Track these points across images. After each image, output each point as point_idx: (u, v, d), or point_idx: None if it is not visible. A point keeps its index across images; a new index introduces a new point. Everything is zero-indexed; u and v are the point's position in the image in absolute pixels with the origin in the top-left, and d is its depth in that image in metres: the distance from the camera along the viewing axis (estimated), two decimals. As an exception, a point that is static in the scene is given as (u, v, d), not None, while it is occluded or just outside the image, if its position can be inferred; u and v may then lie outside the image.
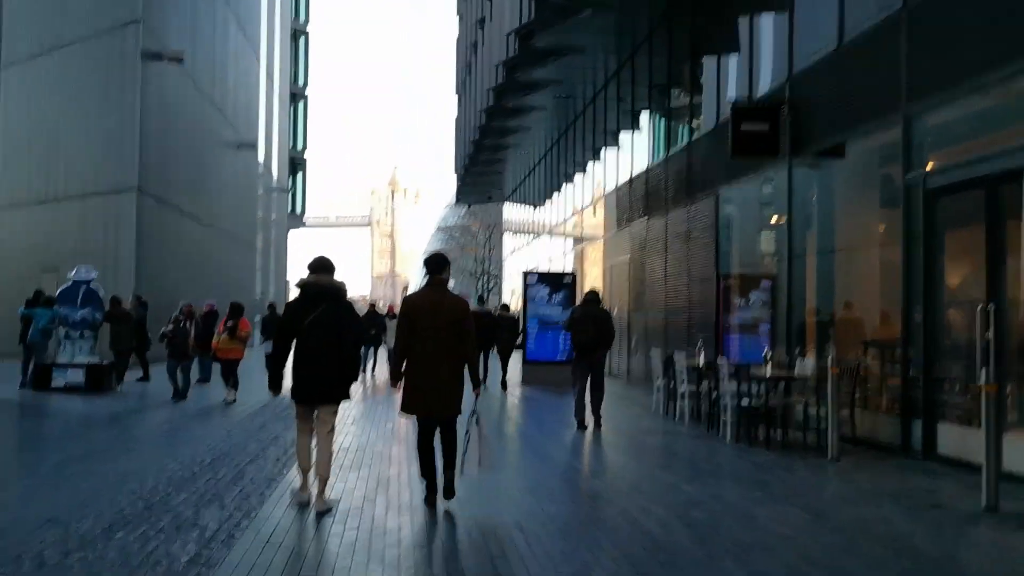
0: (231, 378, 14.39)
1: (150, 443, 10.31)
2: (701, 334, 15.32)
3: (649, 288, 18.95)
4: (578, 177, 28.34)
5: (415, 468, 8.04)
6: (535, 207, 38.60)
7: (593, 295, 12.75)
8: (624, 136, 22.36)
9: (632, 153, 21.40)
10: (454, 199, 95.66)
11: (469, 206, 53.80)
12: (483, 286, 74.50)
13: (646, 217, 19.35)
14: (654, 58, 19.19)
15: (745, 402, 10.34)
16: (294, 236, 64.10)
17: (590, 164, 26.31)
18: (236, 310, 14.57)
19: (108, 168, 22.09)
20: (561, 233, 32.14)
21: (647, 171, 19.57)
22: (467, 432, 6.67)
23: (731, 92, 14.81)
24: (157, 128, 22.96)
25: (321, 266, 6.71)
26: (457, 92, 43.08)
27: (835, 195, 12.24)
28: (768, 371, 10.55)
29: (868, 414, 10.41)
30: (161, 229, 23.37)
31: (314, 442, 6.71)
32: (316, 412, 6.66)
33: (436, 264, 6.78)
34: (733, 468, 9.08)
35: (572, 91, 24.42)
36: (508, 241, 49.24)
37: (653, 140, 19.84)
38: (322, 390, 6.59)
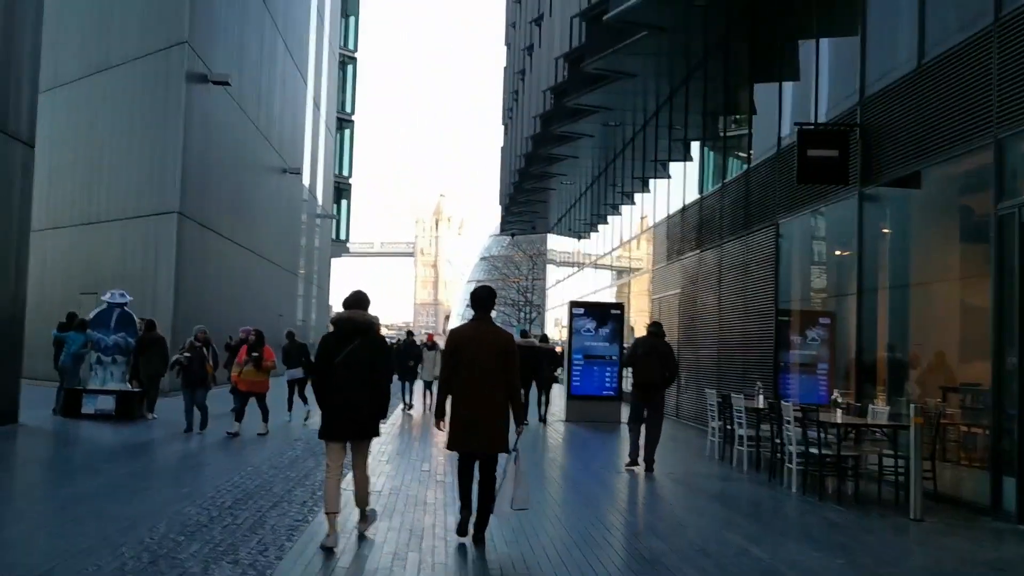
0: (263, 409, 13.76)
1: (171, 479, 9.69)
2: (757, 373, 14.43)
3: (701, 323, 18.08)
4: (625, 208, 27.63)
5: (452, 518, 7.36)
6: (580, 238, 37.92)
7: (657, 327, 11.93)
8: (674, 166, 21.60)
9: (684, 183, 20.62)
10: (498, 229, 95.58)
11: (513, 236, 53.10)
12: (526, 317, 73.91)
13: (698, 249, 18.52)
14: (709, 83, 18.47)
15: (814, 450, 9.43)
16: (338, 263, 64.28)
17: (638, 195, 25.57)
18: (260, 338, 13.65)
19: (150, 191, 21.82)
20: (606, 265, 31.37)
21: (700, 201, 18.77)
22: (504, 469, 6.53)
23: (792, 118, 14.00)
24: (201, 151, 22.70)
25: (355, 301, 6.76)
26: (504, 122, 42.75)
27: (910, 225, 11.34)
28: (838, 416, 9.65)
29: (950, 468, 9.44)
30: (202, 253, 23.04)
31: (345, 483, 6.80)
32: (349, 446, 6.70)
33: (483, 299, 6.79)
34: (805, 526, 8.17)
35: (621, 118, 23.76)
36: (552, 272, 48.53)
37: (706, 169, 19.05)
38: (354, 427, 6.60)
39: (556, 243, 45.34)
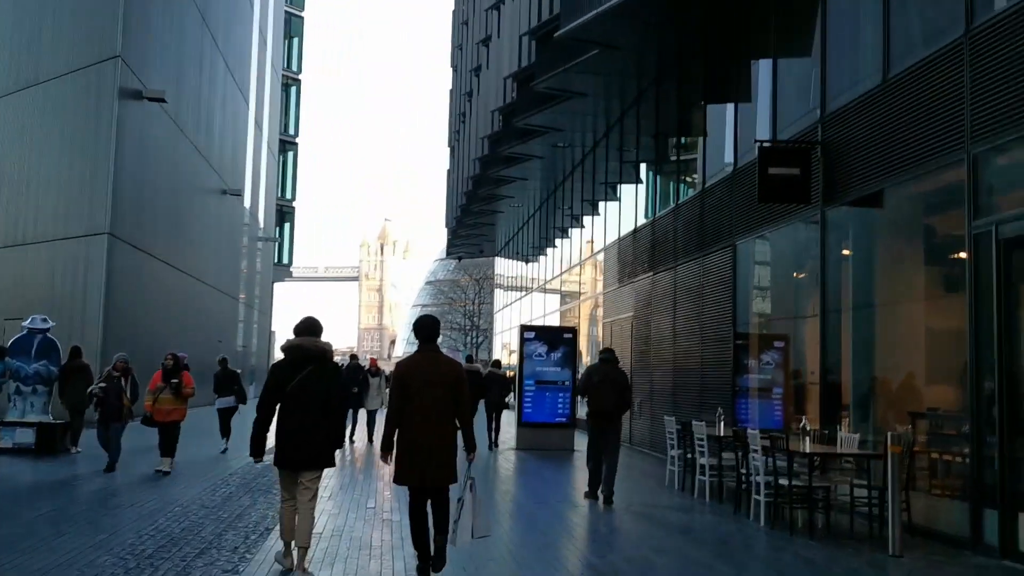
0: (171, 443, 12.31)
1: (88, 524, 8.78)
2: (715, 398, 13.99)
3: (655, 347, 17.63)
4: (574, 231, 27.27)
5: (401, 563, 6.70)
6: (527, 262, 37.47)
7: (610, 354, 11.57)
8: (625, 188, 21.26)
9: (635, 204, 20.27)
10: (444, 253, 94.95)
11: (460, 259, 52.49)
12: (472, 341, 73.24)
13: (651, 272, 18.12)
14: (661, 103, 18.17)
15: (783, 481, 8.95)
16: (281, 288, 62.87)
17: (587, 218, 25.22)
18: (177, 363, 12.32)
19: (79, 211, 20.78)
20: (555, 289, 30.91)
21: (653, 223, 18.40)
22: (460, 499, 6.33)
23: (749, 137, 13.69)
24: (135, 170, 21.73)
25: (307, 328, 6.65)
26: (450, 144, 42.26)
27: (875, 245, 11.00)
28: (806, 445, 9.19)
29: (923, 498, 9.02)
30: (135, 277, 22.00)
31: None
32: (299, 478, 6.52)
33: (428, 329, 6.64)
34: (780, 565, 7.64)
35: (571, 140, 23.41)
36: (499, 296, 47.97)
37: (658, 190, 18.71)
38: (306, 456, 6.46)
39: (504, 267, 44.85)
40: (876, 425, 10.09)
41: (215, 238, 32.04)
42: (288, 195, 53.70)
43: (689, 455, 11.78)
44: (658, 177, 18.89)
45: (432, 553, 6.34)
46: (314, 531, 6.93)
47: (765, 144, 11.37)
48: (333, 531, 8.22)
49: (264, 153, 43.38)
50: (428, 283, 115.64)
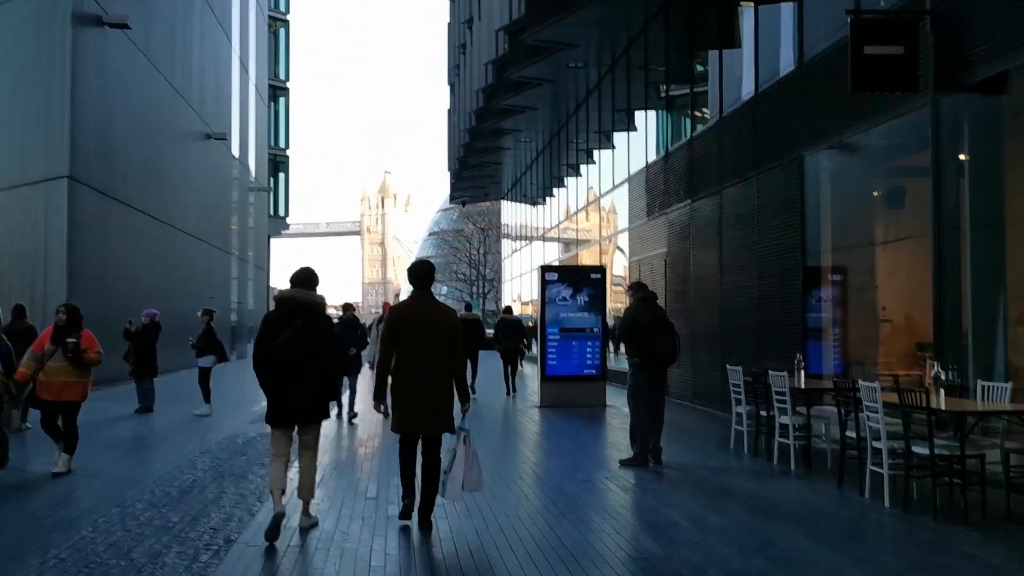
0: (69, 432, 8.70)
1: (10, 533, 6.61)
2: (778, 342, 11.75)
3: (697, 286, 15.34)
4: (589, 168, 24.79)
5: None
6: (535, 204, 35.07)
7: (644, 288, 9.57)
8: (648, 115, 18.79)
9: (665, 126, 17.86)
10: (447, 201, 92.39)
11: (464, 204, 50.06)
12: (478, 291, 71.07)
13: (689, 200, 15.76)
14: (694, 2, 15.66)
15: (920, 449, 6.72)
16: (281, 244, 60.52)
17: (603, 152, 22.76)
18: (74, 317, 8.81)
19: (35, 153, 18.39)
20: (571, 229, 28.54)
21: (690, 143, 15.99)
22: (452, 449, 6.26)
23: (819, 20, 11.26)
24: (97, 107, 19.28)
25: (304, 278, 6.38)
26: (450, 81, 39.64)
27: (1005, 144, 8.66)
28: (941, 400, 6.94)
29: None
30: (104, 226, 19.66)
31: (292, 471, 6.64)
32: (296, 435, 6.32)
33: (421, 275, 6.47)
34: (955, 571, 5.43)
35: (585, 57, 20.81)
36: (508, 244, 45.56)
37: (694, 105, 16.23)
38: (300, 410, 6.20)
39: (511, 211, 42.39)
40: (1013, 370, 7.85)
41: (200, 187, 29.60)
42: (281, 143, 51.13)
43: (764, 412, 9.57)
44: (692, 91, 16.41)
45: (418, 508, 6.27)
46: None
47: (861, 17, 8.93)
48: (319, 538, 6.03)
49: (252, 97, 40.67)
50: (431, 234, 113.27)
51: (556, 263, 28.97)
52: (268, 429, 6.30)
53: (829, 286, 11.39)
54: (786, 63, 12.20)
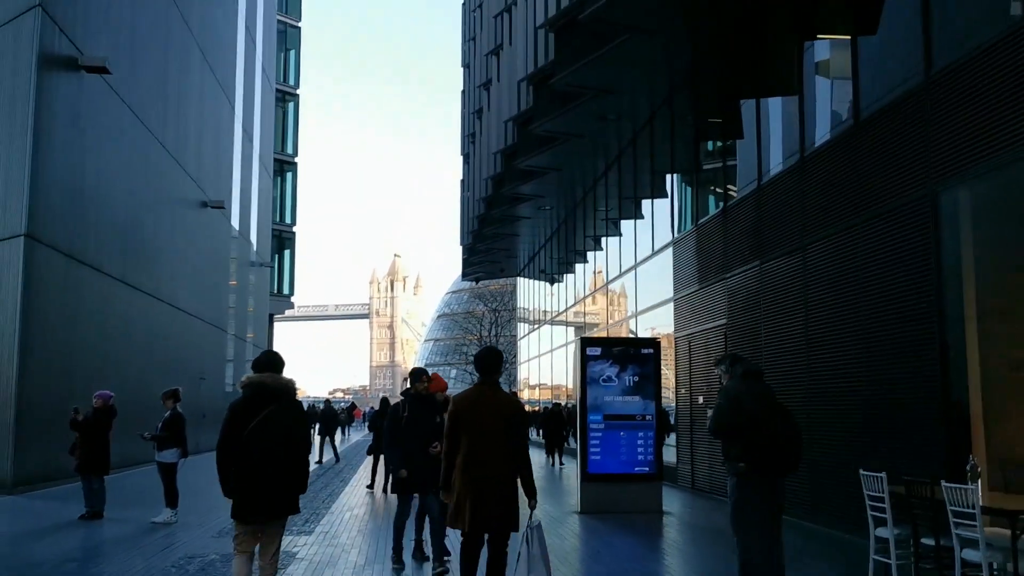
0: None
1: None
2: (908, 433, 8.93)
3: (776, 361, 12.56)
4: (611, 240, 22.32)
5: None
6: (553, 281, 32.63)
7: (744, 361, 6.88)
8: (686, 177, 16.34)
9: (717, 181, 15.37)
10: (458, 282, 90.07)
11: (477, 281, 47.54)
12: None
13: (757, 262, 13.12)
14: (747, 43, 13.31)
15: None
16: (288, 327, 57.97)
17: (627, 223, 20.34)
18: None
19: (-10, 209, 15.96)
20: (595, 308, 25.88)
21: (757, 193, 13.43)
22: (524, 545, 5.66)
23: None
24: (68, 161, 16.95)
25: (267, 362, 6.02)
26: (464, 151, 37.61)
27: None
28: None
29: None
30: (71, 294, 17.10)
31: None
32: (259, 532, 5.91)
33: (486, 361, 6.03)
34: None
35: (621, 108, 18.50)
36: (524, 326, 42.87)
37: (766, 147, 13.71)
38: (268, 504, 5.79)
39: (527, 288, 39.83)
40: None
41: (194, 258, 27.16)
42: (287, 219, 49.13)
43: (926, 539, 6.71)
44: (762, 134, 13.93)
45: None
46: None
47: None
48: None
49: (256, 168, 38.69)
50: (440, 316, 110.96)
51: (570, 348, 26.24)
52: (232, 548, 5.96)
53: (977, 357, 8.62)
54: (909, 72, 9.69)
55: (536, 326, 36.37)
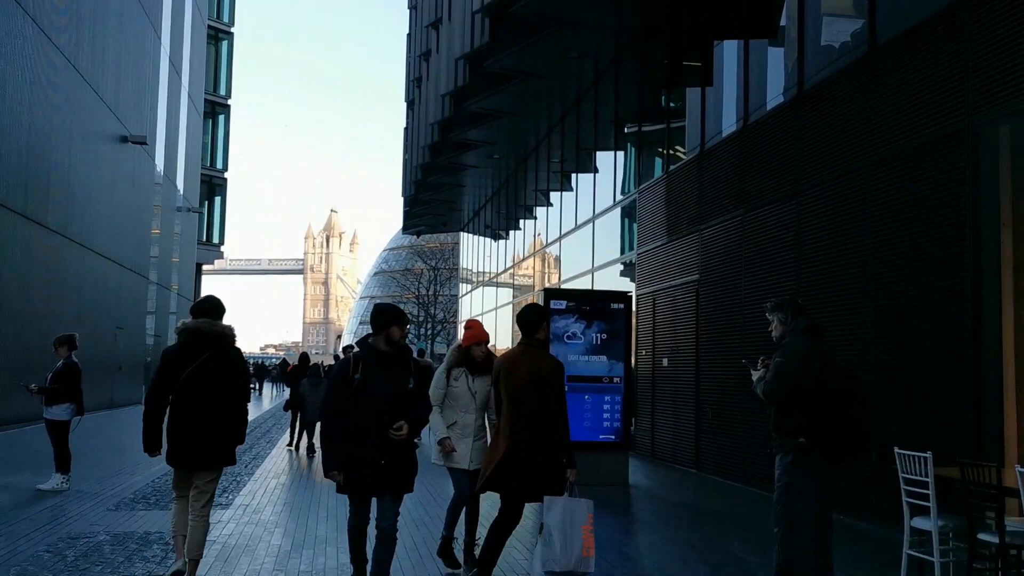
0: None
1: None
2: (937, 402, 7.75)
3: (751, 322, 11.32)
4: (567, 196, 20.87)
5: None
6: (497, 237, 31.18)
7: (808, 313, 5.55)
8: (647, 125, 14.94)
9: (696, 124, 14.01)
10: (396, 239, 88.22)
11: (419, 234, 45.75)
12: (426, 333, 66.45)
13: (740, 211, 11.82)
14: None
15: None
16: (220, 281, 55.37)
17: (589, 176, 18.90)
18: None
19: None
20: (545, 262, 24.50)
21: (739, 135, 12.08)
22: (542, 523, 5.22)
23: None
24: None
25: (209, 307, 5.82)
26: (408, 98, 35.66)
27: None
28: None
29: None
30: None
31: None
32: (193, 480, 5.66)
33: (531, 319, 5.61)
34: None
35: (584, 46, 16.95)
36: (466, 283, 41.35)
37: (756, 79, 12.34)
38: (200, 453, 5.60)
39: (471, 244, 38.28)
40: None
41: (111, 198, 24.89)
42: (219, 164, 46.52)
43: (982, 534, 5.49)
44: (751, 69, 12.55)
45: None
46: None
47: None
48: None
49: (184, 106, 36.18)
50: (377, 273, 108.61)
51: (520, 304, 24.84)
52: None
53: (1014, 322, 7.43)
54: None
55: (477, 286, 34.91)
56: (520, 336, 5.73)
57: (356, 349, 5.48)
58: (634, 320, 15.47)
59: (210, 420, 5.58)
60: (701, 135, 13.46)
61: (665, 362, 14.22)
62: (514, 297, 28.46)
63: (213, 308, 5.83)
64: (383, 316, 5.32)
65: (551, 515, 5.17)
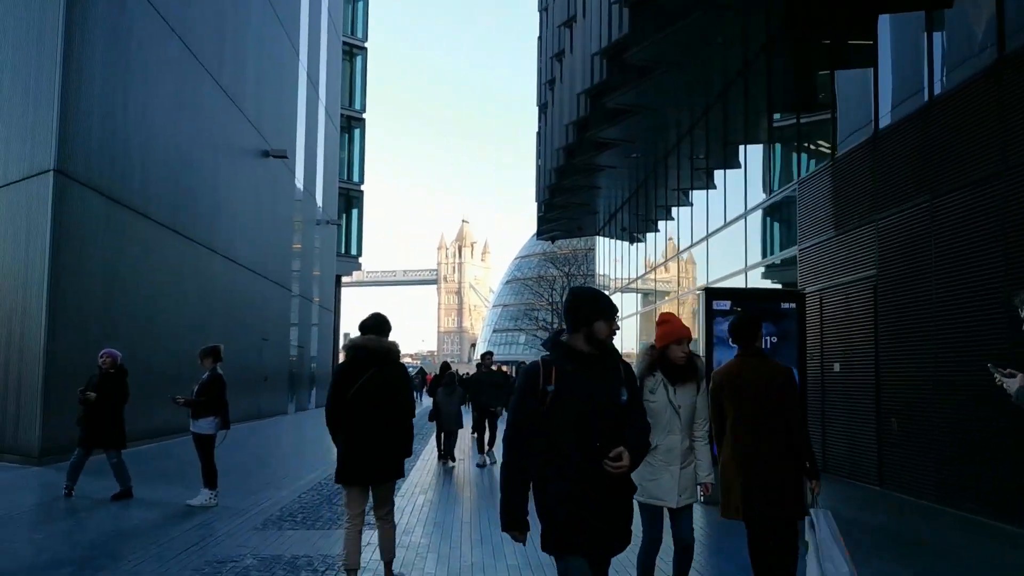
0: None
1: None
2: None
3: (955, 325, 9.98)
4: (704, 194, 19.68)
5: None
6: (633, 241, 30.11)
7: None
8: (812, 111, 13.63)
9: (862, 105, 12.70)
10: (527, 246, 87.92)
11: (553, 240, 45.11)
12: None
13: (927, 196, 10.51)
14: None
15: None
16: (356, 292, 56.43)
17: (737, 173, 17.67)
18: None
19: (19, 146, 14.15)
20: (688, 263, 23.32)
21: (927, 107, 10.76)
22: (808, 532, 4.77)
23: None
24: (108, 91, 15.07)
25: (374, 324, 6.01)
26: (540, 101, 35.13)
27: None
28: None
29: None
30: (110, 238, 15.31)
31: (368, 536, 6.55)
32: (371, 493, 5.88)
33: (746, 328, 5.14)
34: None
35: (731, 32, 15.84)
36: (603, 288, 40.41)
37: (928, 57, 10.99)
38: (373, 468, 5.73)
39: (607, 248, 37.35)
40: None
41: (253, 210, 25.36)
42: (356, 178, 47.29)
43: None
44: (933, 37, 11.21)
45: None
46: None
47: None
48: None
49: (322, 120, 36.83)
50: (509, 281, 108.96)
51: (659, 309, 23.72)
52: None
53: None
54: None
55: (614, 292, 33.93)
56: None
57: (545, 353, 3.84)
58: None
59: (380, 434, 5.70)
60: (875, 117, 12.16)
61: (837, 367, 12.94)
62: (656, 301, 27.36)
63: (379, 325, 6.02)
64: (585, 306, 3.72)
65: (822, 529, 4.74)
